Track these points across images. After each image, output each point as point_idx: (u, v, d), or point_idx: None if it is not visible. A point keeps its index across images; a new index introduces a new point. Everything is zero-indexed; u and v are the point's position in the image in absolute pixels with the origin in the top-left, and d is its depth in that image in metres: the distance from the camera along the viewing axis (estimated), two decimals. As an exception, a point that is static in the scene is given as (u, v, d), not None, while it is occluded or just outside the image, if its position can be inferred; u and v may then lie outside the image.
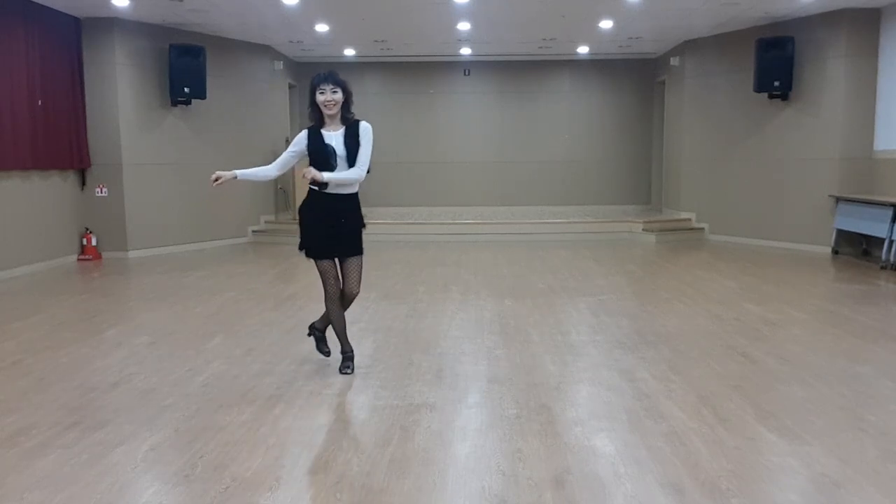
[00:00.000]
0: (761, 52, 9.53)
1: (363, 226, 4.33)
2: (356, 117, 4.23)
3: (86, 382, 4.19)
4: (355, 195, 4.28)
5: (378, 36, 10.81)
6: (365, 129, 4.17)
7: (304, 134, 4.20)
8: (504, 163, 13.46)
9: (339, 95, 4.10)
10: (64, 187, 8.94)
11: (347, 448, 3.23)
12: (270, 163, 4.33)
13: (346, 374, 4.31)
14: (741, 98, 10.31)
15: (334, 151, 4.10)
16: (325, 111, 4.12)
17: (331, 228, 4.19)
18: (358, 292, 4.33)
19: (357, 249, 4.28)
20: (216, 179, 4.12)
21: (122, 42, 9.22)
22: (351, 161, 4.13)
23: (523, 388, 4.04)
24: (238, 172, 4.19)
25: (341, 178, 4.12)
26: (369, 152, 4.17)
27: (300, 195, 4.54)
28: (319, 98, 4.10)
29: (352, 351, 4.43)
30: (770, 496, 2.75)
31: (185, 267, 8.62)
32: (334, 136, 4.14)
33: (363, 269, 4.32)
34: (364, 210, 4.39)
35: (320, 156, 4.10)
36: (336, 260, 4.27)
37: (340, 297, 4.32)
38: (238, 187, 10.73)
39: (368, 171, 4.20)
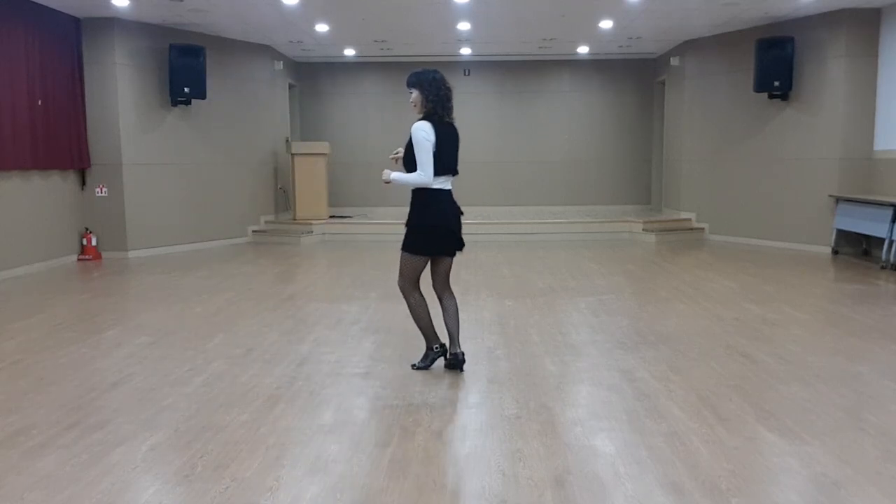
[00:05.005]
0: (761, 52, 9.53)
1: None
2: (423, 116, 4.17)
3: (86, 382, 4.20)
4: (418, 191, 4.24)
5: (378, 36, 10.81)
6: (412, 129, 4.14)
7: (429, 125, 4.10)
8: (504, 163, 13.46)
9: (414, 95, 4.16)
10: (64, 187, 8.94)
11: (347, 448, 3.23)
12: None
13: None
14: (741, 98, 10.31)
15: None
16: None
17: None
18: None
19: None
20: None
21: (122, 42, 9.22)
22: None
23: (523, 388, 4.04)
24: (394, 175, 4.14)
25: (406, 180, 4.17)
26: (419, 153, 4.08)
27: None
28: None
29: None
30: (770, 496, 2.75)
31: (185, 267, 8.61)
32: None
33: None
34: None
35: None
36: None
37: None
38: (238, 187, 10.78)
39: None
